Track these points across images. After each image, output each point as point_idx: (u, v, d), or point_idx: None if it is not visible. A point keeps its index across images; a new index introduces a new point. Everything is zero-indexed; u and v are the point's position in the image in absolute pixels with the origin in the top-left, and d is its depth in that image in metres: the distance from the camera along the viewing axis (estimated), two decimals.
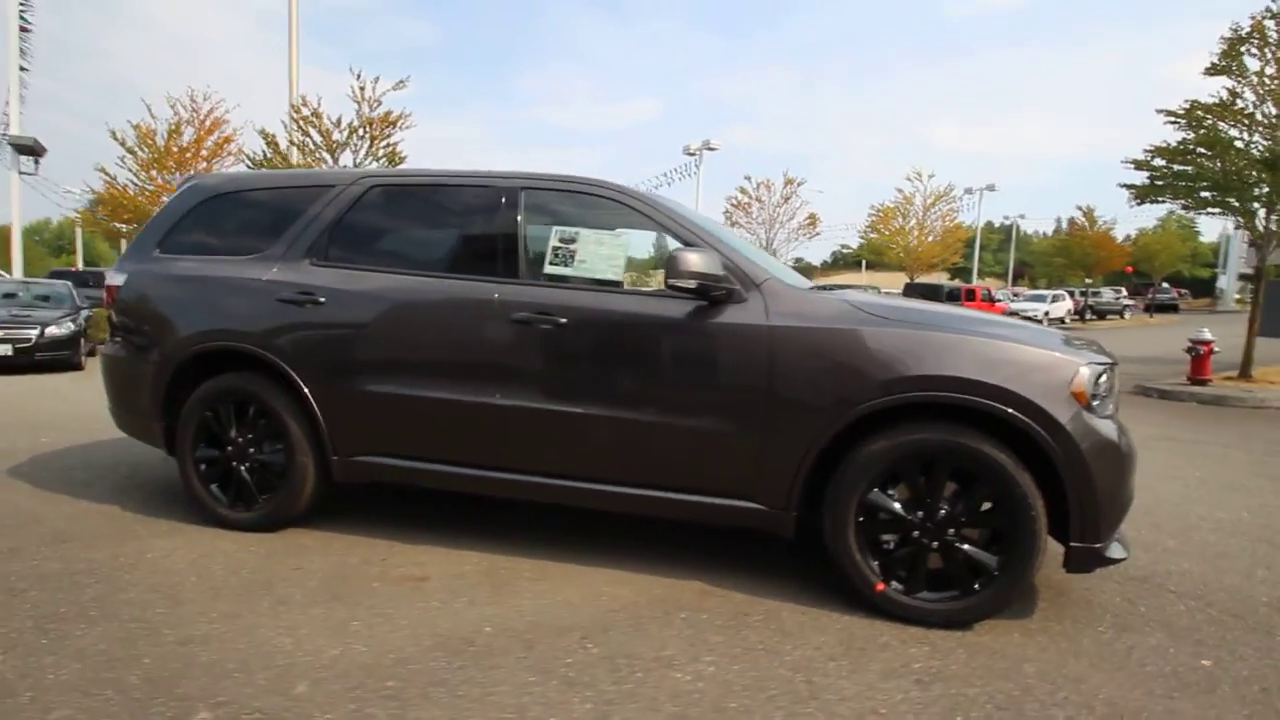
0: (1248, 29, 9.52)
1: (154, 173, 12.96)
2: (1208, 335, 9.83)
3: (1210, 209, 10.73)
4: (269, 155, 12.36)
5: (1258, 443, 6.39)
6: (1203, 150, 9.71)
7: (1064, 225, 51.39)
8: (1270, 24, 9.35)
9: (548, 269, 2.97)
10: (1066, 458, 2.41)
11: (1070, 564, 2.50)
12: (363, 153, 12.39)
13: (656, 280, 3.26)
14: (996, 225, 68.26)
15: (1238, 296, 41.84)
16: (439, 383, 2.99)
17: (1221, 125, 9.67)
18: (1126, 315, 35.91)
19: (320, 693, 2.01)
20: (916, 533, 2.54)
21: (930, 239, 21.42)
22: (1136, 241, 45.20)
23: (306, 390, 3.11)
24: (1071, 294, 33.25)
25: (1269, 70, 9.39)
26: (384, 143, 12.59)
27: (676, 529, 3.35)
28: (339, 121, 12.33)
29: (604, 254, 2.95)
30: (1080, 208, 42.27)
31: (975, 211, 39.54)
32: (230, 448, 3.27)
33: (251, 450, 3.25)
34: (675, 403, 2.75)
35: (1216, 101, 9.60)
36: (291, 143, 12.26)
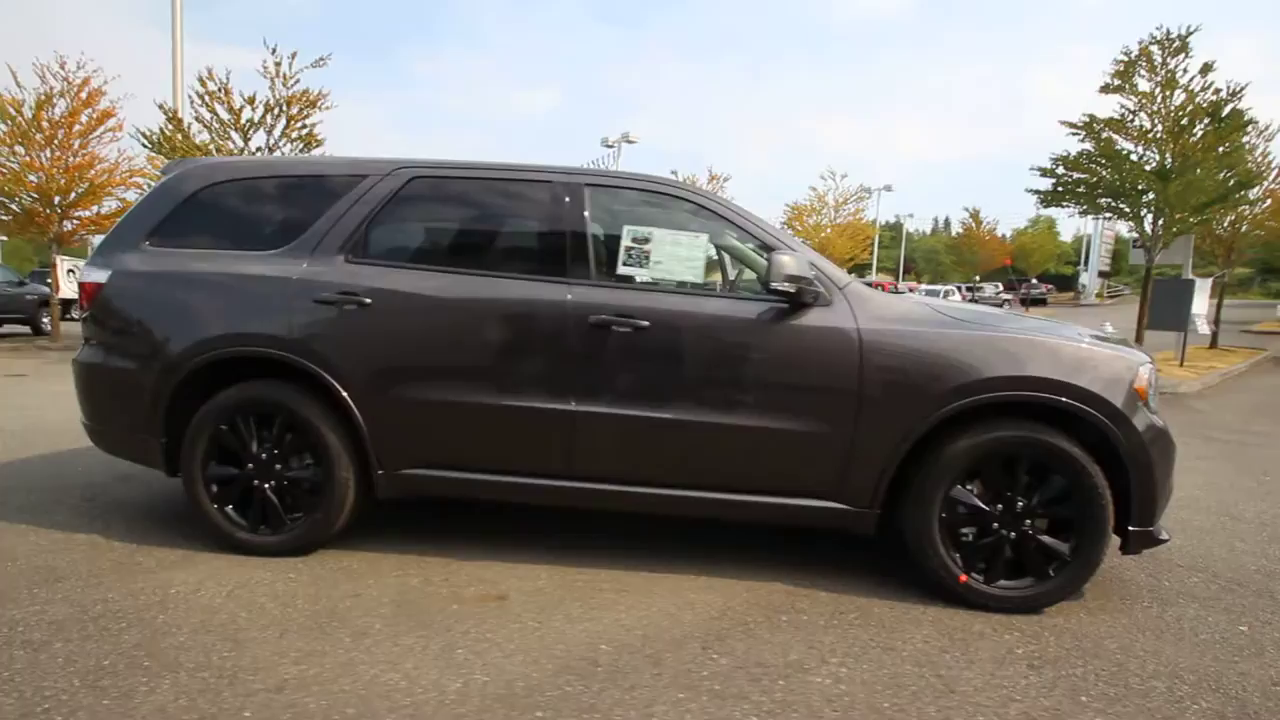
0: (1136, 53, 10.73)
1: (20, 149, 11.30)
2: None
3: (1106, 214, 11.99)
4: (169, 132, 11.10)
5: (1172, 426, 7.19)
6: (1100, 160, 10.87)
7: (941, 225, 55.67)
8: (1155, 49, 10.56)
9: (621, 269, 2.87)
10: (1131, 449, 2.62)
11: (1129, 547, 2.73)
12: (277, 132, 11.41)
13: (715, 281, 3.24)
14: (884, 223, 72.90)
15: (1098, 291, 46.82)
16: (503, 388, 2.82)
17: (1116, 138, 10.86)
18: (1005, 308, 39.55)
19: None
20: (996, 524, 2.68)
21: (840, 237, 22.60)
22: (1015, 240, 49.65)
23: (349, 399, 2.84)
24: (959, 288, 36.26)
25: (1157, 92, 10.62)
26: (300, 124, 11.66)
27: (714, 532, 3.36)
28: (252, 99, 11.26)
29: (681, 255, 2.88)
30: (968, 209, 46.01)
31: (875, 210, 42.09)
32: (251, 465, 2.94)
33: (278, 466, 2.93)
34: (764, 406, 2.74)
35: (1110, 118, 10.76)
36: (197, 119, 11.09)
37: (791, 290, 2.67)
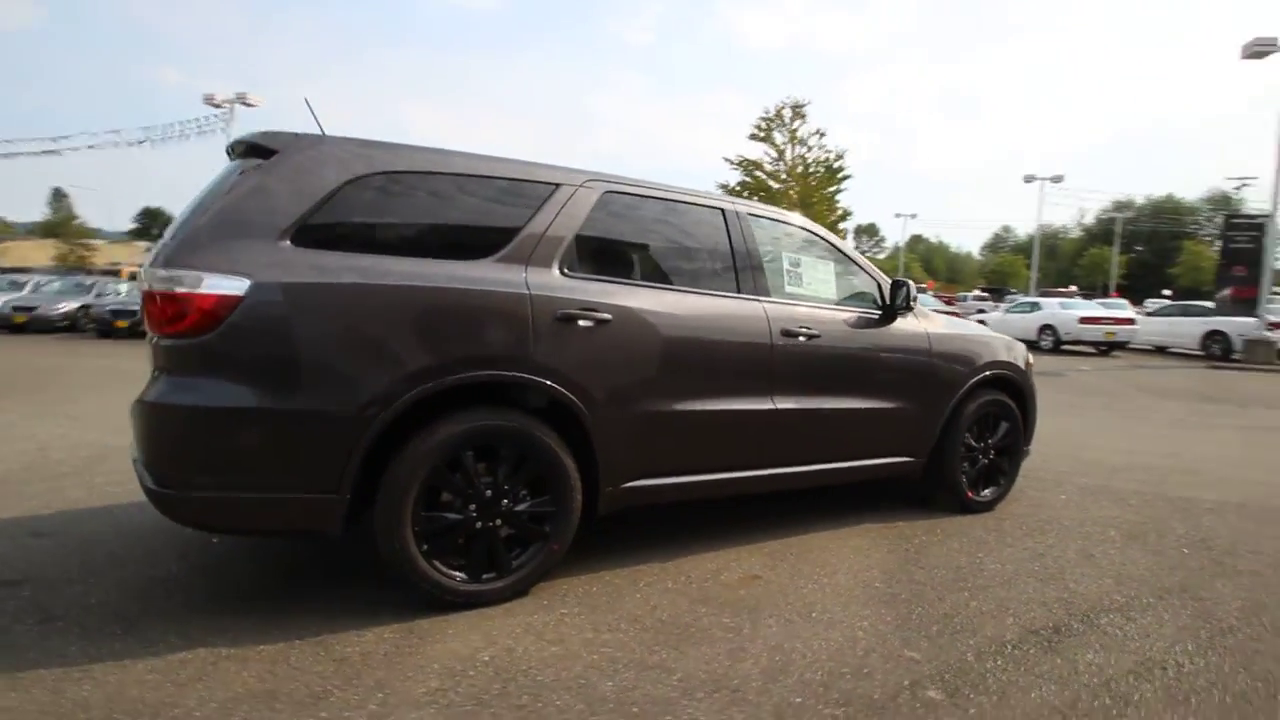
0: (774, 113, 14.50)
1: None
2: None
3: None
4: None
5: None
6: (752, 193, 14.30)
7: None
8: (787, 112, 14.41)
9: (788, 289, 3.40)
10: (1029, 397, 4.33)
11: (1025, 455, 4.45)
12: None
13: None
14: None
15: None
16: (721, 394, 3.10)
17: (762, 175, 14.41)
18: None
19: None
20: (981, 452, 4.10)
21: None
22: None
23: (586, 419, 2.74)
24: None
25: (788, 149, 14.49)
26: None
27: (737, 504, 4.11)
28: None
29: (820, 277, 3.55)
30: None
31: None
32: (473, 505, 2.57)
33: (505, 502, 2.63)
34: (887, 390, 3.62)
35: (756, 160, 14.28)
36: None
37: (903, 305, 3.64)
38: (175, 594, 2.71)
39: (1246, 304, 15.50)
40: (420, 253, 2.57)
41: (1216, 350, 16.42)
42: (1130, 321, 17.61)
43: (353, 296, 2.39)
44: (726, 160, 15.01)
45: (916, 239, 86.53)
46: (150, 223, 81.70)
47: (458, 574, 2.57)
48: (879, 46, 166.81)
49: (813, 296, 3.53)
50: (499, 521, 2.62)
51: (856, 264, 3.79)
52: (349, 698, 2.01)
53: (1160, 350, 18.53)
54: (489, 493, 2.60)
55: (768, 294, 3.32)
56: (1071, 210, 76.05)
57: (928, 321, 3.89)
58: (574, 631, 2.46)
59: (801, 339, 3.32)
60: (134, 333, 14.80)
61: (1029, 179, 34.52)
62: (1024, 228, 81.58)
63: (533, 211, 2.79)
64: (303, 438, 2.32)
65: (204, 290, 2.23)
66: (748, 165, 14.83)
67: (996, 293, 38.94)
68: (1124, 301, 25.79)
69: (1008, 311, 20.17)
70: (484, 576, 2.62)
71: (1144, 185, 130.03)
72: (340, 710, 1.95)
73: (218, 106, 25.46)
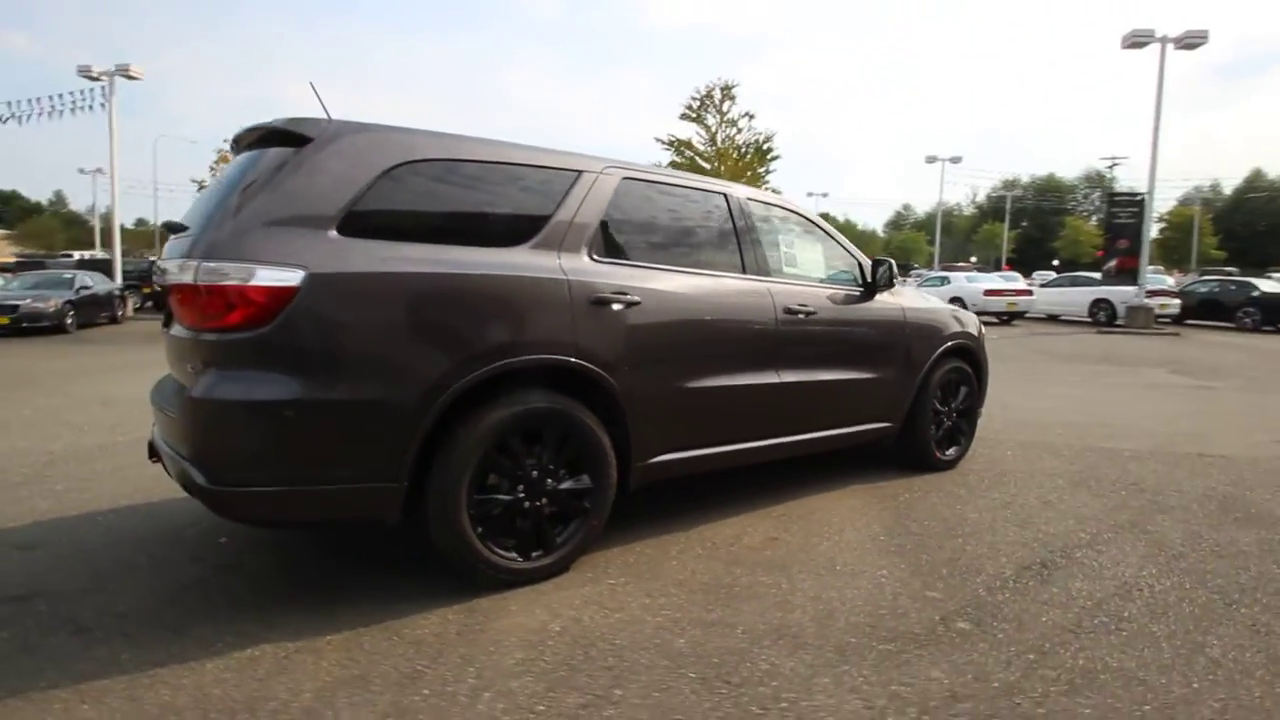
0: (704, 94, 14.71)
1: None
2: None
3: None
4: None
5: None
6: (683, 167, 14.49)
7: None
8: (717, 93, 14.67)
9: (785, 269, 3.60)
10: (981, 363, 4.75)
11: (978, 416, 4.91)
12: None
13: None
14: None
15: None
16: (735, 370, 3.28)
17: (694, 156, 14.66)
18: None
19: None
20: (944, 410, 4.49)
21: None
22: None
23: (619, 398, 2.86)
24: None
25: (719, 130, 14.77)
26: None
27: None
28: None
29: (809, 256, 3.78)
30: None
31: None
32: (521, 486, 2.65)
33: (549, 482, 2.72)
34: (871, 362, 3.91)
35: (687, 140, 14.50)
36: None
37: (884, 282, 3.92)
38: (209, 596, 2.64)
39: (1129, 274, 17.18)
40: (457, 241, 2.59)
41: (1102, 317, 18.14)
42: (1029, 293, 19.17)
43: (409, 285, 2.40)
44: (658, 140, 15.39)
45: (825, 217, 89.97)
46: (3, 208, 73.15)
47: (511, 553, 2.65)
48: (787, 28, 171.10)
49: (805, 276, 3.76)
50: (544, 500, 2.71)
51: (838, 243, 4.05)
52: (443, 674, 2.08)
53: (1053, 318, 20.27)
54: (535, 473, 2.68)
55: (769, 274, 3.51)
56: (965, 189, 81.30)
57: (901, 297, 4.21)
58: (630, 599, 2.60)
59: (800, 316, 3.54)
60: (17, 330, 13.43)
61: (931, 159, 36.56)
62: (922, 206, 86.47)
63: (560, 198, 2.86)
64: (364, 428, 2.32)
65: (257, 282, 2.19)
66: (679, 145, 15.20)
67: (903, 268, 41.18)
68: (1017, 274, 27.93)
69: (920, 285, 21.46)
70: (533, 554, 2.71)
71: (1030, 165, 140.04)
72: (440, 686, 2.02)
73: (94, 79, 23.08)
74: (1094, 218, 59.83)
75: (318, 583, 2.79)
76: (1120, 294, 17.64)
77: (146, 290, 21.01)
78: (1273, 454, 5.08)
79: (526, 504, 2.66)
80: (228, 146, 19.44)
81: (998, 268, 43.23)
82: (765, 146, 16.09)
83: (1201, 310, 18.64)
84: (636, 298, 2.91)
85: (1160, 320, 17.44)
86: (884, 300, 4.06)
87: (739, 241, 3.44)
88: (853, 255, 4.06)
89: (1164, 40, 16.35)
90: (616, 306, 2.86)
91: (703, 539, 3.23)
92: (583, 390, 2.79)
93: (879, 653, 2.24)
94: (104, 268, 20.05)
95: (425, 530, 2.54)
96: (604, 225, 2.97)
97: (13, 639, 2.32)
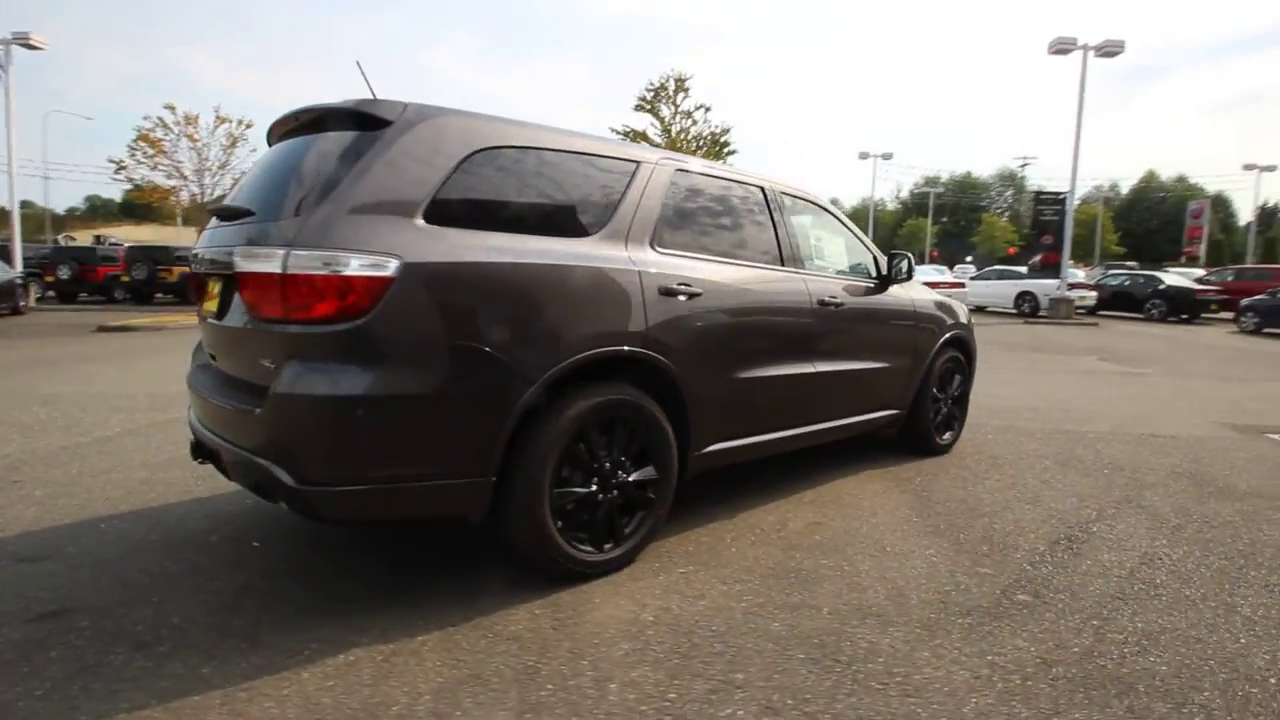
0: (658, 86, 14.68)
1: None
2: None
3: None
4: None
5: None
6: None
7: None
8: (671, 85, 14.68)
9: (815, 261, 3.69)
10: (970, 350, 5.02)
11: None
12: None
13: None
14: None
15: None
16: (782, 360, 3.36)
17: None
18: None
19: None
20: (942, 405, 4.74)
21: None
22: None
23: (683, 388, 2.89)
24: None
25: (674, 122, 14.79)
26: None
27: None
28: None
29: (834, 249, 3.88)
30: None
31: None
32: (596, 478, 2.65)
33: (621, 474, 2.73)
34: (887, 351, 4.08)
35: (642, 131, 14.44)
36: None
37: (900, 275, 4.08)
38: (270, 603, 2.52)
39: (1052, 269, 18.37)
40: (533, 230, 2.55)
41: (1026, 308, 19.34)
42: (961, 285, 20.22)
43: (501, 275, 2.35)
44: (613, 130, 15.26)
45: None
46: None
47: (586, 546, 2.64)
48: (721, 19, 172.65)
49: (832, 267, 3.87)
50: (615, 492, 2.72)
51: (856, 236, 4.19)
52: (559, 668, 2.07)
53: (980, 309, 21.45)
54: (608, 464, 2.68)
55: (802, 266, 3.61)
56: (891, 185, 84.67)
57: (910, 290, 4.40)
58: (708, 586, 2.65)
59: (831, 308, 3.66)
60: None
61: (864, 155, 37.87)
62: (849, 200, 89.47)
63: (623, 189, 2.85)
64: (458, 421, 2.27)
65: (354, 272, 2.09)
66: (634, 136, 15.17)
67: None
68: (945, 267, 29.37)
69: None
70: (605, 546, 2.71)
71: (953, 163, 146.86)
72: (563, 680, 2.01)
73: None
74: (1006, 214, 63.54)
75: (379, 584, 2.70)
76: (1043, 287, 18.85)
77: (50, 279, 19.38)
78: (1215, 434, 5.60)
79: (600, 496, 2.66)
80: (146, 124, 17.92)
81: (924, 261, 45.43)
82: (722, 140, 16.40)
83: (1114, 302, 20.15)
84: (699, 289, 2.94)
85: (1078, 311, 18.74)
86: (895, 293, 4.23)
87: (776, 233, 3.52)
88: (868, 248, 4.21)
89: (1085, 48, 17.52)
90: (681, 298, 2.88)
91: (750, 526, 3.30)
92: (649, 381, 2.81)
93: (961, 626, 2.37)
94: (1, 254, 18.29)
95: (505, 526, 2.50)
96: (662, 217, 2.98)
97: (67, 658, 2.15)
